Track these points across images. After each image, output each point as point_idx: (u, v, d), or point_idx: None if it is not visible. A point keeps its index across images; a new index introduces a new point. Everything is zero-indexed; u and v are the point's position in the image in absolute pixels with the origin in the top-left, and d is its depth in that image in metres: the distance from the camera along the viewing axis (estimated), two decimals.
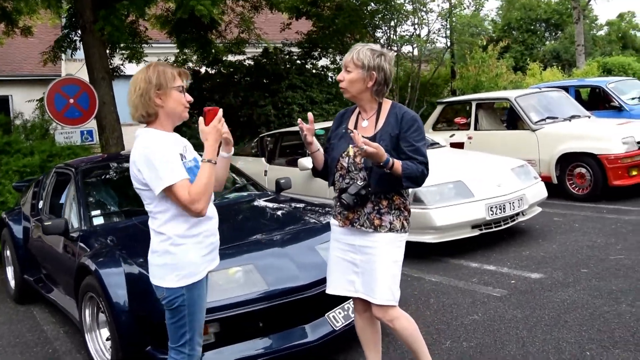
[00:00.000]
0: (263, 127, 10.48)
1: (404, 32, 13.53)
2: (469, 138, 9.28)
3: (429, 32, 13.17)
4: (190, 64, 13.54)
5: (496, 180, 6.11)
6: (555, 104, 9.15)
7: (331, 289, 3.20)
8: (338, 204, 3.05)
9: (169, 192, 2.52)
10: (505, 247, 6.06)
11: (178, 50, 13.34)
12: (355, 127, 3.07)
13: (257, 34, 12.53)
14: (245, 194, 5.23)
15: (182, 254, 2.61)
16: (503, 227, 6.06)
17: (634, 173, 7.62)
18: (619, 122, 8.39)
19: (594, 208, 7.40)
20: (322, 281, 3.78)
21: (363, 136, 2.92)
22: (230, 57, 13.09)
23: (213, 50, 12.79)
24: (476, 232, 5.91)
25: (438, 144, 7.61)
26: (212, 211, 2.75)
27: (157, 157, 2.52)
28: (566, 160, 8.01)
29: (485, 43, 14.85)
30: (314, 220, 4.35)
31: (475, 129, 9.34)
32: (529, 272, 5.22)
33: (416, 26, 13.33)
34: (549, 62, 30.69)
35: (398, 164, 2.82)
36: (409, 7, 12.92)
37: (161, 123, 2.67)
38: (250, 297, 3.55)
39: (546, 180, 8.18)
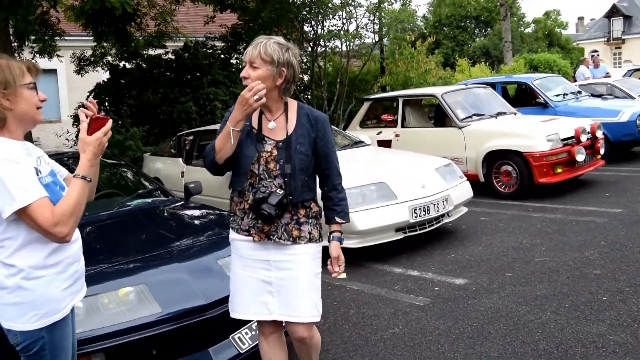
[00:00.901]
0: (184, 125, 9.97)
1: (332, 26, 13.26)
2: (397, 135, 9.07)
3: (357, 27, 12.93)
4: (110, 58, 12.82)
5: (420, 181, 5.87)
6: (482, 101, 9.05)
7: (239, 313, 2.84)
8: (254, 216, 2.72)
9: (22, 215, 2.06)
10: (430, 250, 5.84)
11: (95, 44, 12.64)
12: (260, 128, 2.75)
13: (175, 27, 11.98)
14: (149, 200, 4.77)
15: (40, 289, 2.15)
16: (428, 229, 5.83)
17: (559, 170, 7.56)
18: (544, 119, 8.35)
19: (520, 206, 7.29)
20: (225, 300, 3.41)
21: (274, 139, 2.70)
22: (152, 52, 12.48)
23: (133, 44, 12.16)
24: (400, 236, 5.65)
25: (363, 142, 7.33)
26: (76, 233, 2.32)
27: (6, 173, 2.06)
28: (492, 158, 7.90)
29: (413, 39, 14.77)
30: (218, 231, 3.95)
31: (403, 126, 9.14)
32: (453, 277, 4.99)
33: (344, 21, 13.08)
34: (479, 59, 31.21)
35: (339, 224, 2.87)
36: (337, 1, 12.63)
37: (9, 130, 2.20)
38: (142, 322, 3.12)
39: (473, 178, 8.07)
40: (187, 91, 10.35)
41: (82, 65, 12.69)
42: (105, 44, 12.75)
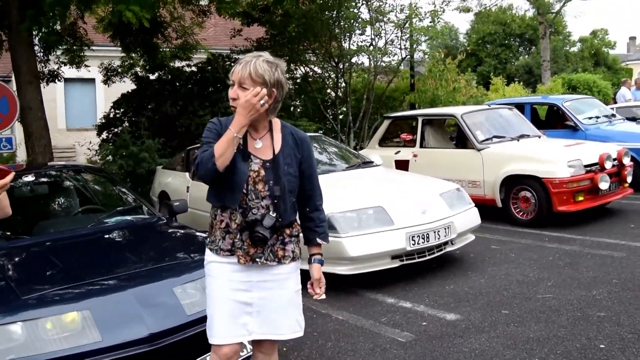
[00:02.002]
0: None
1: (361, 42, 13.04)
2: (414, 156, 8.76)
3: (386, 42, 12.67)
4: (138, 69, 12.89)
5: (421, 207, 5.56)
6: (505, 123, 8.67)
7: (219, 338, 2.65)
8: (242, 237, 2.62)
9: None
10: (429, 280, 5.52)
11: (124, 55, 12.73)
12: (246, 146, 2.64)
13: (196, 40, 11.95)
14: (128, 218, 4.61)
15: None
16: (428, 257, 5.51)
17: (580, 198, 7.13)
18: (567, 144, 7.91)
19: (536, 235, 6.89)
20: (176, 330, 3.23)
21: (260, 158, 2.62)
22: (178, 64, 12.49)
23: (160, 56, 12.20)
24: (396, 263, 5.35)
25: (372, 162, 7.06)
26: None
27: None
28: (511, 182, 7.51)
29: (443, 56, 14.42)
30: (184, 256, 3.74)
31: (422, 146, 8.82)
32: (445, 311, 4.67)
33: (373, 36, 12.82)
34: (522, 77, 30.53)
35: (320, 246, 2.82)
36: (366, 16, 12.41)
37: None
38: (79, 352, 2.95)
39: (490, 203, 7.72)
40: (206, 104, 10.26)
41: (109, 75, 12.79)
42: (133, 55, 12.84)
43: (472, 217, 5.98)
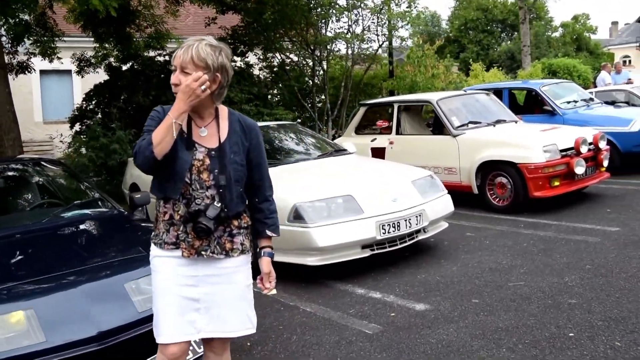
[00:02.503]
0: None
1: (339, 29, 12.86)
2: (391, 143, 8.63)
3: (363, 29, 12.50)
4: (112, 60, 12.63)
5: (392, 195, 5.44)
6: (482, 108, 8.56)
7: (165, 337, 2.52)
8: (185, 229, 2.49)
9: None
10: (401, 269, 5.41)
11: (97, 45, 12.46)
12: (190, 135, 2.51)
13: (167, 29, 11.72)
14: (87, 212, 4.43)
15: None
16: (399, 246, 5.40)
17: (556, 184, 7.05)
18: (543, 128, 7.83)
19: (512, 221, 6.81)
20: (126, 328, 3.09)
21: (205, 147, 2.49)
22: (153, 54, 12.24)
23: (133, 46, 11.96)
24: (367, 253, 5.24)
25: (345, 150, 6.93)
26: None
27: None
28: (487, 168, 7.41)
29: (422, 42, 14.28)
30: (137, 250, 3.59)
31: (398, 133, 8.69)
32: (415, 301, 4.56)
33: (351, 23, 12.65)
34: (504, 63, 30.53)
35: (270, 239, 2.70)
36: (342, 2, 12.24)
37: None
38: (21, 353, 2.80)
39: (467, 190, 7.63)
40: None
41: (82, 66, 12.53)
42: (107, 46, 12.58)
43: (444, 204, 5.87)
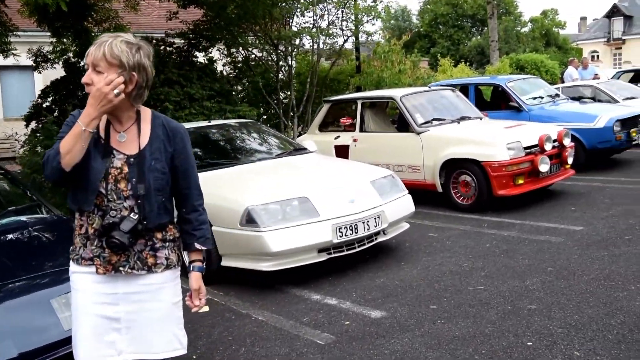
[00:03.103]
0: None
1: (304, 24, 12.62)
2: (354, 140, 8.43)
3: (329, 24, 12.28)
4: (70, 55, 12.19)
5: (350, 196, 5.24)
6: (446, 104, 8.41)
7: (84, 359, 2.30)
8: (100, 243, 2.27)
9: None
10: (360, 273, 5.22)
11: (55, 40, 12.03)
12: (108, 139, 2.30)
13: (122, 24, 11.36)
14: (23, 218, 4.16)
15: None
16: (358, 249, 5.21)
17: (521, 182, 6.93)
18: (507, 125, 7.70)
19: (475, 221, 6.66)
20: (51, 347, 2.85)
21: (124, 153, 2.27)
22: None
23: (92, 41, 11.55)
24: (323, 257, 5.03)
25: (305, 149, 6.71)
26: None
27: None
28: (451, 166, 7.26)
29: (388, 37, 14.12)
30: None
31: (362, 130, 8.50)
32: (371, 308, 4.37)
33: (316, 18, 12.41)
34: (474, 58, 30.61)
35: (201, 252, 2.48)
36: None
37: None
38: None
39: (431, 188, 7.47)
40: None
41: (38, 61, 12.08)
42: (65, 40, 12.15)
43: (405, 205, 5.69)
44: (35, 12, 10.99)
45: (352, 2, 12.13)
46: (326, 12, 12.43)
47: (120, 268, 2.30)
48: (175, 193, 2.43)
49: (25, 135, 11.07)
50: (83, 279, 2.33)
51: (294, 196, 5.05)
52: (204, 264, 2.51)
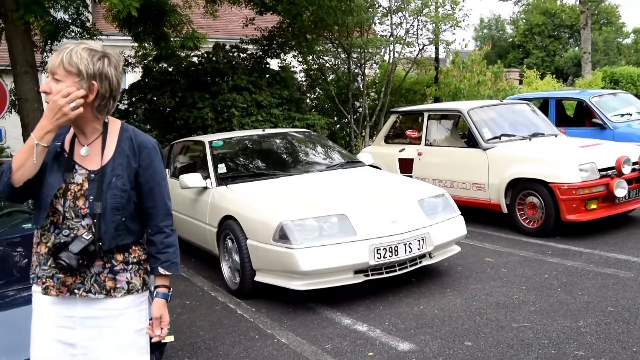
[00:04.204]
0: (199, 132, 9.43)
1: (382, 32, 12.33)
2: (419, 154, 8.07)
3: (406, 32, 11.90)
4: (149, 60, 12.53)
5: (392, 215, 4.92)
6: (519, 119, 7.89)
7: None
8: (53, 265, 2.13)
9: None
10: (400, 297, 4.89)
11: (137, 44, 12.40)
12: (72, 153, 2.16)
13: (193, 28, 11.50)
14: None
15: None
16: (398, 272, 4.88)
17: (593, 206, 6.33)
18: (584, 144, 7.08)
19: (539, 247, 6.15)
20: None
21: (86, 169, 2.12)
22: (190, 54, 12.07)
23: (172, 45, 11.82)
24: (360, 279, 4.74)
25: (360, 162, 6.44)
26: None
27: None
28: (517, 186, 6.76)
29: (466, 46, 13.57)
30: None
31: (427, 144, 8.12)
32: (400, 339, 4.04)
33: (394, 26, 12.09)
34: (570, 70, 29.18)
35: (167, 278, 2.28)
36: (384, 4, 11.71)
37: None
38: None
39: (496, 208, 7.00)
40: (206, 96, 9.79)
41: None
42: (146, 45, 12.51)
43: (455, 227, 5.30)
44: (117, 17, 11.36)
45: (432, 10, 11.72)
46: (404, 21, 12.08)
47: (75, 291, 2.15)
48: (142, 213, 2.26)
49: None
50: (41, 299, 2.20)
51: (330, 213, 4.80)
52: (170, 290, 2.31)
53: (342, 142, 12.33)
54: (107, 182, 2.14)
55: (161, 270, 2.25)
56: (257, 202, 5.11)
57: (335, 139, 12.03)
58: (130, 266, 2.22)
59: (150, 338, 2.29)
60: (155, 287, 2.28)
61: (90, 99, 2.09)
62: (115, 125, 2.25)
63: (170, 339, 2.35)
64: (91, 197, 2.13)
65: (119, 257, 2.20)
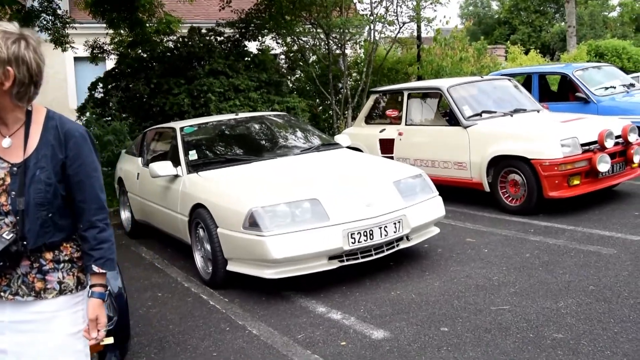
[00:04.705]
0: (176, 118, 9.20)
1: (362, 11, 12.07)
2: (400, 134, 7.89)
3: (387, 10, 11.68)
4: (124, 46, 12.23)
5: (367, 198, 4.75)
6: (500, 96, 7.72)
7: None
8: None
9: None
10: (378, 282, 4.74)
11: (112, 31, 12.10)
12: None
13: (165, 12, 11.22)
14: None
15: None
16: (375, 257, 4.72)
17: (576, 182, 6.18)
18: (565, 119, 6.93)
19: (522, 225, 6.01)
20: None
21: (8, 162, 1.95)
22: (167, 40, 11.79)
23: (148, 31, 11.55)
24: (335, 265, 4.58)
25: (336, 144, 6.27)
26: None
27: None
28: (499, 164, 6.60)
29: (448, 22, 13.34)
30: None
31: (407, 123, 7.93)
32: (375, 327, 3.89)
33: (375, 4, 11.83)
34: (557, 45, 28.99)
35: (103, 276, 2.10)
36: None
37: None
38: None
39: (478, 187, 6.85)
40: (182, 82, 9.55)
41: (95, 54, 12.18)
42: (122, 32, 12.22)
43: (433, 208, 5.14)
44: (89, 4, 11.08)
45: None
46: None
47: (2, 293, 1.99)
48: (71, 207, 2.08)
49: None
50: None
51: (302, 198, 4.63)
52: (107, 289, 2.14)
53: (324, 124, 12.12)
54: (30, 175, 1.97)
55: (95, 268, 2.08)
56: (227, 189, 4.93)
57: (317, 122, 11.82)
58: (62, 265, 2.06)
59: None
60: (90, 286, 2.11)
61: (6, 87, 1.91)
62: (40, 113, 2.06)
63: (109, 340, 2.19)
64: (13, 192, 1.96)
65: (48, 255, 2.03)
